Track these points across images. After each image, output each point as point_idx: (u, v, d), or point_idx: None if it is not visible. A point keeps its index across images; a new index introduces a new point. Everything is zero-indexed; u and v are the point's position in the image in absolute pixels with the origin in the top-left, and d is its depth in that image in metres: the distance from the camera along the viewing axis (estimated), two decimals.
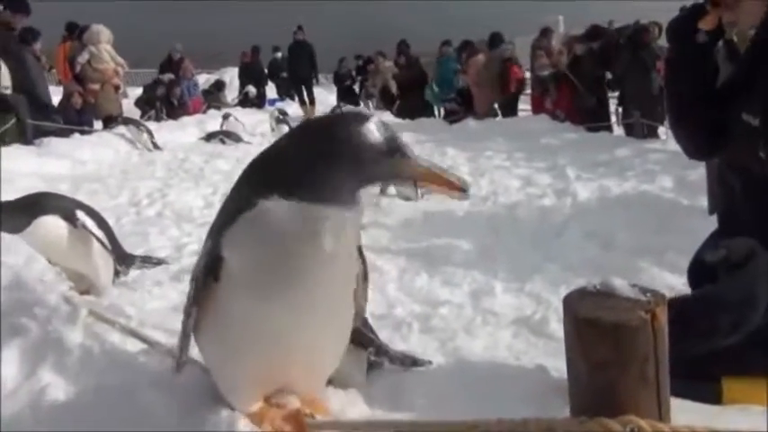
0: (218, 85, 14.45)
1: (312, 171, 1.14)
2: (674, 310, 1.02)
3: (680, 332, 0.98)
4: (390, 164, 1.18)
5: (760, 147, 1.51)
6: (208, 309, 1.30)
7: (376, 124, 1.18)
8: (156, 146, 8.29)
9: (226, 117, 10.63)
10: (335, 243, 1.16)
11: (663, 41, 6.75)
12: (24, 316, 1.93)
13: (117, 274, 2.85)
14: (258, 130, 10.64)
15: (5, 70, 6.98)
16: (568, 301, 0.77)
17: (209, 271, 1.25)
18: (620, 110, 8.33)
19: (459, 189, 1.22)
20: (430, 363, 2.12)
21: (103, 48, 9.62)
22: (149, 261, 3.09)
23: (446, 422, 0.84)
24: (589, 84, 8.27)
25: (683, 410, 1.28)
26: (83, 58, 9.53)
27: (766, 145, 1.53)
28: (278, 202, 1.14)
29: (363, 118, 1.19)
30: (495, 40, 10.68)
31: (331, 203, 1.15)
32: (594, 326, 0.70)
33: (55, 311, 1.92)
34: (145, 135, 8.23)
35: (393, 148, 1.18)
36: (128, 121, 8.60)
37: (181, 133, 9.65)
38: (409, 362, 2.05)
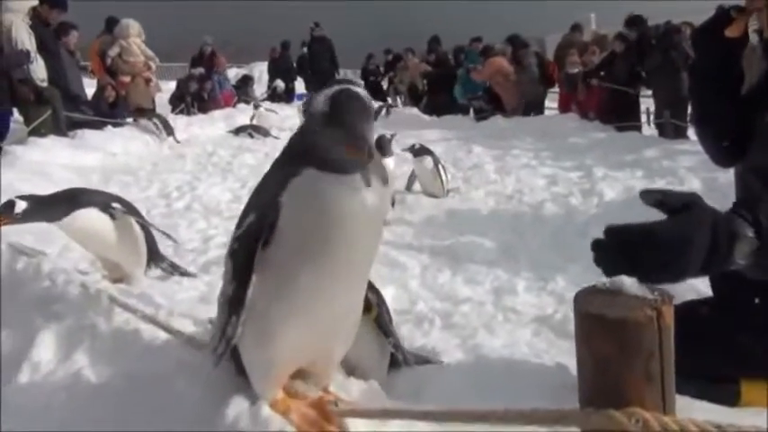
0: (246, 80, 14.59)
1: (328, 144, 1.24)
2: (610, 236, 1.04)
3: (613, 259, 1.01)
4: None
5: None
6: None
7: (327, 94, 1.26)
8: (167, 134, 8.43)
9: (256, 107, 10.78)
10: (375, 202, 1.29)
11: None
12: (59, 303, 2.02)
13: (149, 266, 2.93)
14: (287, 125, 10.74)
15: (42, 63, 7.16)
16: (578, 298, 0.81)
17: (258, 237, 1.29)
18: (652, 109, 8.27)
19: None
20: (441, 362, 2.15)
21: (133, 41, 9.79)
22: (177, 269, 3.15)
23: (460, 411, 0.87)
24: (622, 82, 8.22)
25: (699, 411, 1.30)
26: (113, 51, 9.71)
27: None
28: (313, 171, 1.25)
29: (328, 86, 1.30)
30: (518, 41, 10.64)
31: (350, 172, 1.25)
32: (601, 321, 0.74)
33: (89, 299, 1.99)
34: (153, 124, 8.38)
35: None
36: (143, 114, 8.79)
37: (210, 127, 9.80)
38: (421, 360, 2.09)
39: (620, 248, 1.03)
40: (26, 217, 2.45)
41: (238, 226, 1.38)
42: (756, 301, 1.58)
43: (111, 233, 2.66)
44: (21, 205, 2.41)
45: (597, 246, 1.06)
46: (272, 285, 1.31)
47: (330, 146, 1.23)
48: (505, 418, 0.72)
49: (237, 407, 1.35)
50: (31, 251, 2.49)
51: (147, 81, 10.03)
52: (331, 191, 1.25)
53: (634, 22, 8.47)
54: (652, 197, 1.10)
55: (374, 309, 1.73)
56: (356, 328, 1.52)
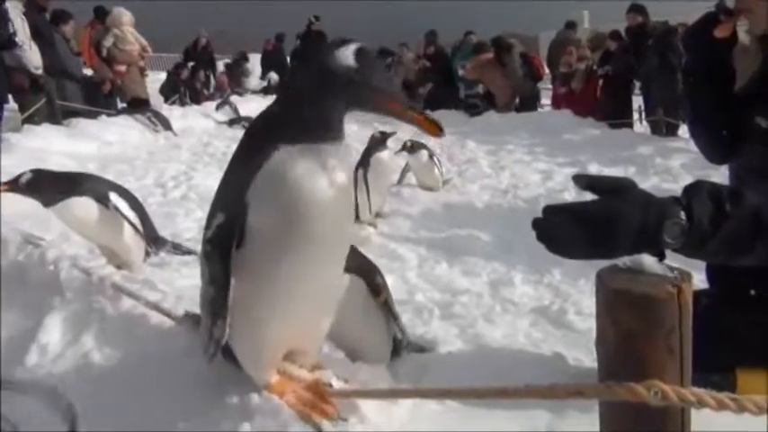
0: (238, 63, 14.46)
1: (303, 113, 1.24)
2: (547, 214, 1.09)
3: (550, 236, 1.05)
4: (362, 92, 1.24)
5: None
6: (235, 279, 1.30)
7: (351, 50, 1.23)
8: (165, 128, 8.39)
9: (223, 103, 10.78)
10: (342, 176, 1.27)
11: None
12: (65, 288, 2.03)
13: (148, 254, 2.95)
14: None
15: (36, 50, 7.10)
16: (601, 275, 0.84)
17: (230, 240, 1.26)
18: (644, 107, 8.35)
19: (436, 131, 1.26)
20: (432, 350, 2.19)
21: (127, 29, 9.71)
22: (179, 249, 3.19)
23: (474, 388, 0.89)
24: (619, 78, 8.30)
25: None
26: (108, 41, 9.61)
27: None
28: (287, 148, 1.22)
29: (339, 44, 1.25)
30: (501, 43, 10.70)
31: (327, 141, 1.25)
32: (625, 297, 0.78)
33: (94, 284, 2.01)
34: (148, 118, 8.35)
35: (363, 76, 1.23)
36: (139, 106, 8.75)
37: (205, 119, 9.78)
38: (417, 348, 2.13)
39: (555, 226, 1.07)
40: (29, 190, 2.46)
41: (207, 225, 1.35)
42: (752, 292, 1.63)
43: (101, 223, 2.68)
44: (27, 177, 2.43)
45: (536, 224, 1.11)
46: (251, 282, 1.30)
47: (358, 102, 1.24)
48: (525, 393, 0.75)
49: (243, 389, 1.38)
50: (35, 238, 2.50)
51: (142, 70, 9.98)
52: (298, 176, 1.21)
53: (637, 9, 8.51)
54: (583, 181, 1.14)
55: (383, 292, 1.76)
56: (339, 297, 1.51)
